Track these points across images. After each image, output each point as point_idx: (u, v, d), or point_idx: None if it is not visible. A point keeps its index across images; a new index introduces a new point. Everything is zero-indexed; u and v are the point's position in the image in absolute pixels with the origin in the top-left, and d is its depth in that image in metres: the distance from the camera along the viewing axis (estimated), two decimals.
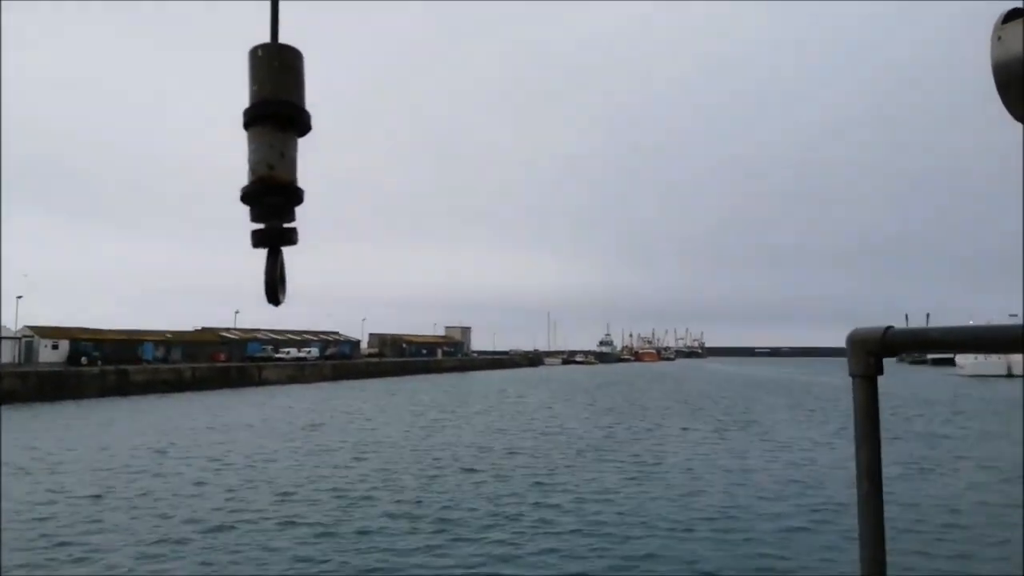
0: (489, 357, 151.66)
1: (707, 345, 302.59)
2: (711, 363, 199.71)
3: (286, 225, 1.49)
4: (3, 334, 69.69)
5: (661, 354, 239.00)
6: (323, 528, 14.85)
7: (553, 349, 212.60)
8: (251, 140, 1.46)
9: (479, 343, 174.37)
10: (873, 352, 1.25)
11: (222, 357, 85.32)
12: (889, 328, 1.24)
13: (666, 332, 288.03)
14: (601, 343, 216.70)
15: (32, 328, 73.42)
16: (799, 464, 22.35)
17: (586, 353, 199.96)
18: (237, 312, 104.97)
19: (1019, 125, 1.67)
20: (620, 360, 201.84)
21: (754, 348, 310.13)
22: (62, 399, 52.76)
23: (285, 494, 18.38)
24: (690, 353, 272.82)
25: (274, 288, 1.47)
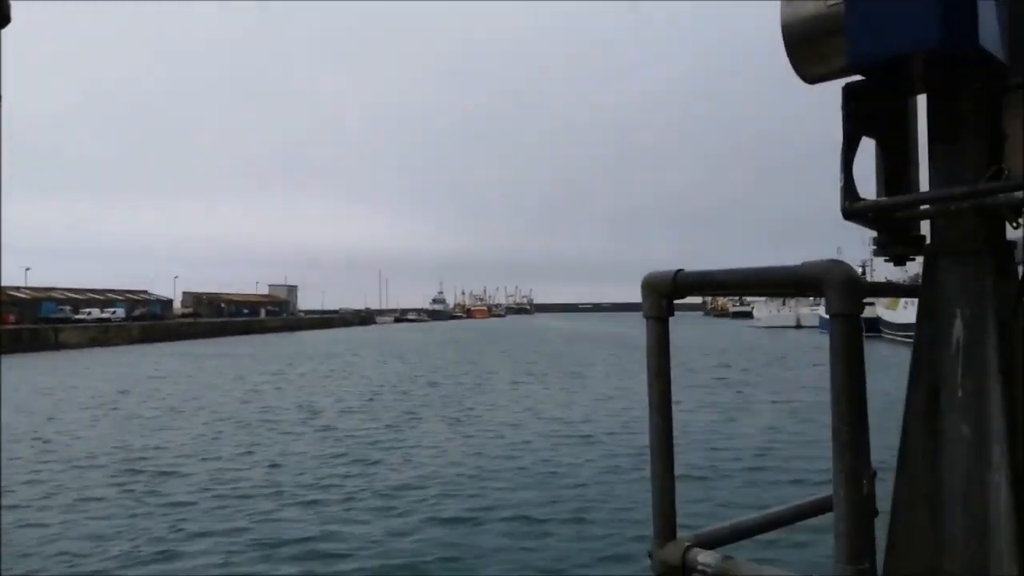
0: (317, 316, 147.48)
1: (536, 301, 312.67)
2: (539, 319, 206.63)
3: None
4: None
5: (492, 311, 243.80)
6: (123, 503, 13.71)
7: (385, 307, 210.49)
8: None
9: (307, 302, 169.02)
10: (665, 294, 1.28)
11: (12, 319, 76.52)
12: (679, 271, 1.28)
13: (497, 289, 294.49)
14: (434, 301, 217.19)
15: None
16: (615, 412, 23.57)
17: (419, 311, 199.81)
18: (28, 269, 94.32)
19: (808, 87, 1.68)
20: (453, 317, 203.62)
21: (578, 304, 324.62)
22: None
23: (80, 467, 16.81)
24: (519, 309, 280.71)
25: None
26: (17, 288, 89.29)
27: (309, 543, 11.15)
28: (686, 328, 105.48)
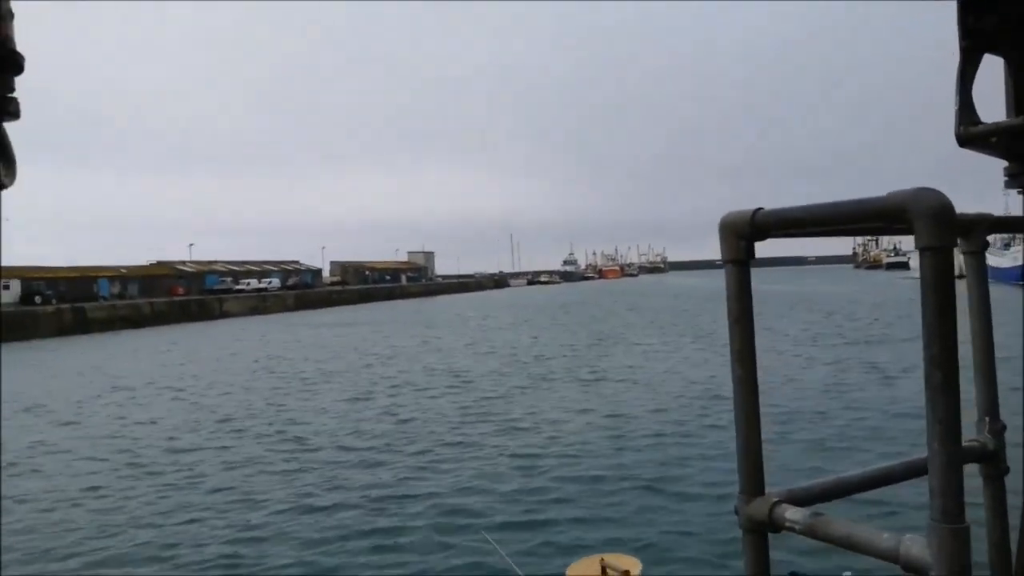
0: (454, 281, 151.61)
1: (669, 260, 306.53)
2: (672, 277, 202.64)
3: (5, 95, 1.30)
4: None
5: (624, 270, 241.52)
6: (280, 462, 14.81)
7: (518, 270, 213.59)
8: None
9: (442, 268, 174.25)
10: (744, 236, 1.21)
11: (181, 291, 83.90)
12: (758, 210, 1.20)
13: (629, 248, 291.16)
14: (565, 262, 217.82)
15: None
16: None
17: (550, 273, 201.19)
18: (191, 245, 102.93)
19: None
20: (584, 278, 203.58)
21: (715, 260, 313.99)
22: (18, 339, 51.52)
23: (236, 429, 18.30)
24: (653, 268, 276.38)
25: None
26: (183, 262, 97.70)
27: (446, 499, 11.61)
28: (833, 282, 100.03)
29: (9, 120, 1.29)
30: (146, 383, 27.26)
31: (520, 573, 4.65)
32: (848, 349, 27.57)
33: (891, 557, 0.99)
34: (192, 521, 11.10)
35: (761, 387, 1.21)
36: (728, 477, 11.78)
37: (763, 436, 1.16)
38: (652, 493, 11.42)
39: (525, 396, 20.81)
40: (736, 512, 1.21)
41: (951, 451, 0.93)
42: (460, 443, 15.39)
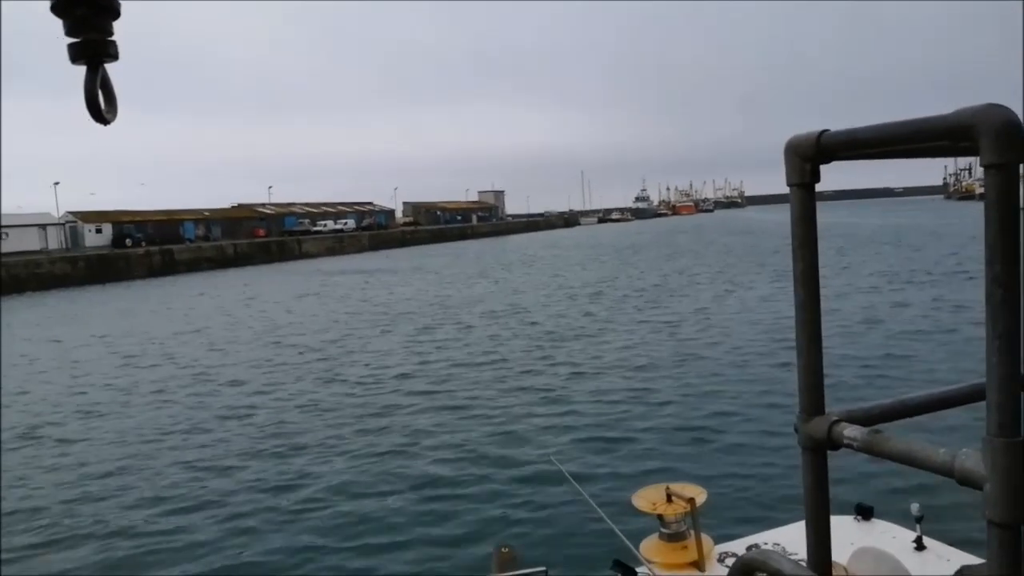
0: (524, 220, 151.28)
1: (747, 194, 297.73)
2: (750, 212, 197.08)
3: (105, 38, 1.43)
4: (47, 220, 71.11)
5: (699, 206, 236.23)
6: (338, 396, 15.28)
7: (588, 208, 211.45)
8: None
9: (513, 207, 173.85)
10: (808, 158, 1.20)
11: (262, 232, 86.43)
12: (824, 132, 1.19)
13: (704, 183, 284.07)
14: (637, 199, 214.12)
15: (75, 213, 74.75)
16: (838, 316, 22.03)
17: (622, 210, 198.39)
18: (270, 187, 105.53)
19: None
20: (657, 215, 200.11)
21: None
22: (111, 281, 54.37)
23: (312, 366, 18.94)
24: (729, 204, 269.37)
25: (96, 104, 1.40)
26: (263, 204, 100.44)
27: (515, 427, 11.80)
28: (919, 214, 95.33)
29: (109, 61, 1.41)
30: (231, 322, 28.49)
31: (585, 494, 4.70)
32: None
33: (946, 471, 1.00)
34: (277, 455, 11.65)
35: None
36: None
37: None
38: (718, 427, 11.43)
39: (592, 335, 20.81)
40: (796, 431, 1.23)
41: (1009, 366, 0.94)
42: (529, 379, 15.61)
